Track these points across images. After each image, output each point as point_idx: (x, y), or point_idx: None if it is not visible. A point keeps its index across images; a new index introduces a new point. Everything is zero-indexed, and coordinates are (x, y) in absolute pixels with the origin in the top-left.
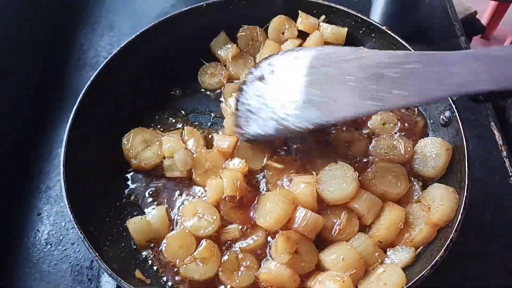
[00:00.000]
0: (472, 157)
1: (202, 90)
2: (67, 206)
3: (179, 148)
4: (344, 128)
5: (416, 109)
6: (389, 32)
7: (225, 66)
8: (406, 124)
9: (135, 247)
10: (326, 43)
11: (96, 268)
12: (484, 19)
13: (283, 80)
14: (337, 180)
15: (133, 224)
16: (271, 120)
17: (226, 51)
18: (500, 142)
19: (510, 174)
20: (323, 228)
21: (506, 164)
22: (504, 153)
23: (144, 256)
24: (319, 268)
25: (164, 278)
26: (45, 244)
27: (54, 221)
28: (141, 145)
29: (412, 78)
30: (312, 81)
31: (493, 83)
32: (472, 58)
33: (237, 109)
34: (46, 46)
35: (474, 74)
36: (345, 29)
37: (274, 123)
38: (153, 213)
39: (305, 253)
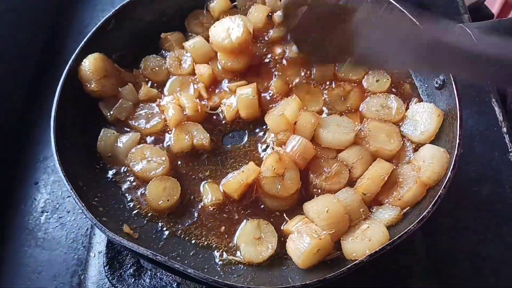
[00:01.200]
0: (472, 132)
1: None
2: (56, 158)
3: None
4: (333, 85)
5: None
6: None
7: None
8: (393, 85)
9: (124, 205)
10: None
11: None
12: (495, 8)
13: None
14: (339, 127)
15: (105, 134)
16: None
17: (217, 2)
18: (500, 118)
19: (509, 150)
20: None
21: (506, 140)
22: (504, 129)
23: (133, 210)
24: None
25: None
26: (41, 212)
27: (51, 190)
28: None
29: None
30: None
31: None
32: None
33: None
34: (48, 20)
35: None
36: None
37: None
38: (127, 136)
39: (288, 179)
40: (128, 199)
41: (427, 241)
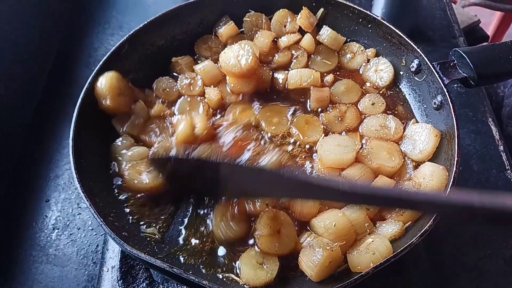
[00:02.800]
0: (469, 151)
1: None
2: (76, 178)
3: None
4: (330, 108)
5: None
6: (385, 22)
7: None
8: (387, 108)
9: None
10: (322, 45)
11: (100, 252)
12: (490, 30)
13: None
14: (340, 147)
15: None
16: None
17: (225, 28)
18: (497, 136)
19: (507, 167)
20: None
21: (503, 158)
22: (501, 148)
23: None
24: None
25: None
26: (52, 229)
27: (62, 207)
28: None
29: None
30: None
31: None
32: None
33: None
34: (59, 44)
35: None
36: (343, 38)
37: None
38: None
39: (285, 236)
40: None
41: (430, 258)
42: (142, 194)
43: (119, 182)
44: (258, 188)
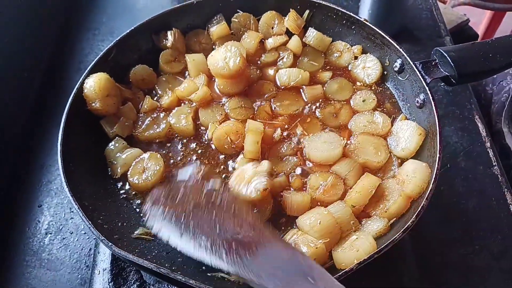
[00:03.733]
0: (457, 148)
1: None
2: (63, 180)
3: None
4: (325, 106)
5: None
6: (368, 23)
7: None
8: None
9: (128, 223)
10: (309, 46)
11: (92, 255)
12: (480, 29)
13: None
14: (326, 144)
15: (117, 141)
16: None
17: (217, 28)
18: (483, 133)
19: (493, 164)
20: (310, 187)
21: (490, 154)
22: (488, 144)
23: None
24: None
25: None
26: (45, 233)
27: (54, 212)
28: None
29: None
30: None
31: None
32: None
33: None
34: (50, 49)
35: None
36: (329, 39)
37: None
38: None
39: None
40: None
41: (418, 254)
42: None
43: (121, 185)
44: None
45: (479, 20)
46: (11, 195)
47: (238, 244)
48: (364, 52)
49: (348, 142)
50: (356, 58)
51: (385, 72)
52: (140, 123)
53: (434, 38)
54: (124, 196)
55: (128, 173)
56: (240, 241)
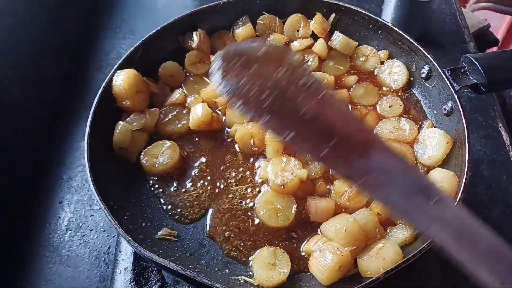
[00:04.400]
0: (480, 156)
1: None
2: (91, 181)
3: None
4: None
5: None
6: (395, 28)
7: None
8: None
9: (152, 223)
10: (335, 50)
11: (112, 254)
12: (499, 34)
13: None
14: None
15: (123, 127)
16: None
17: (242, 29)
18: (507, 142)
19: None
20: (335, 193)
21: None
22: (511, 153)
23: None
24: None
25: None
26: (65, 230)
27: (75, 209)
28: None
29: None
30: None
31: None
32: None
33: None
34: (73, 47)
35: None
36: (355, 43)
37: None
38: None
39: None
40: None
41: (441, 265)
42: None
43: (144, 184)
44: None
45: (499, 24)
46: (33, 191)
47: (346, 142)
48: (390, 57)
49: None
50: (382, 63)
51: (412, 78)
52: (162, 116)
53: (458, 44)
54: (148, 195)
55: (143, 160)
56: (347, 138)
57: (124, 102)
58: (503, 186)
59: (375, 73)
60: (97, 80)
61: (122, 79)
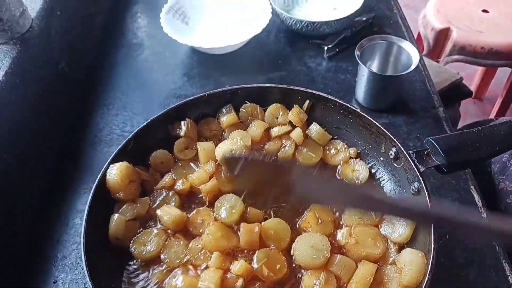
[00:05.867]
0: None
1: None
2: (87, 274)
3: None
4: None
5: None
6: (364, 114)
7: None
8: None
9: None
10: (310, 139)
11: None
12: (474, 82)
13: None
14: (313, 250)
15: (118, 218)
16: None
17: (227, 117)
18: (479, 204)
19: None
20: (305, 286)
21: None
22: (484, 215)
23: None
24: None
25: None
26: None
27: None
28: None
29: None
30: None
31: None
32: None
33: None
34: (66, 125)
35: None
36: (330, 136)
37: None
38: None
39: None
40: None
41: None
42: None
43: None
44: (322, 195)
45: (474, 71)
46: (27, 271)
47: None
48: (358, 156)
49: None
50: (347, 160)
51: (381, 158)
52: (151, 202)
53: (429, 109)
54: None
55: (132, 248)
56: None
57: (118, 194)
58: (479, 247)
59: (339, 169)
60: (92, 155)
61: (115, 173)
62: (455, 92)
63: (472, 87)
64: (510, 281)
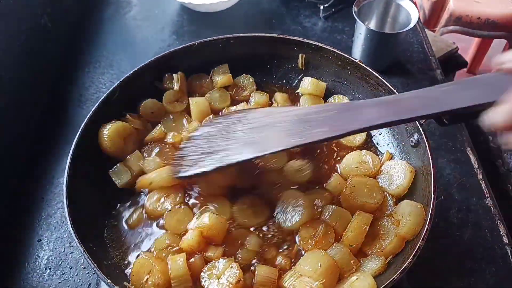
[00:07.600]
0: (450, 180)
1: None
2: (70, 225)
3: None
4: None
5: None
6: (362, 64)
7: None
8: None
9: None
10: (310, 94)
11: None
12: (469, 54)
13: (227, 132)
14: (291, 210)
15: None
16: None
17: (222, 77)
18: (475, 165)
19: (486, 195)
20: (301, 239)
21: (482, 186)
22: (480, 176)
23: None
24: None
25: None
26: (44, 269)
27: (54, 247)
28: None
29: (331, 120)
30: (252, 128)
31: (394, 115)
32: (383, 103)
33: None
34: (51, 83)
35: (382, 112)
36: (324, 84)
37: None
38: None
39: None
40: None
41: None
42: None
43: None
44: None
45: (468, 45)
46: (11, 230)
47: None
48: None
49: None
50: None
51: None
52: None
53: (426, 71)
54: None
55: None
56: None
57: (108, 150)
58: (473, 208)
59: None
60: (77, 115)
61: (107, 133)
62: (451, 62)
63: (467, 61)
64: (505, 241)
